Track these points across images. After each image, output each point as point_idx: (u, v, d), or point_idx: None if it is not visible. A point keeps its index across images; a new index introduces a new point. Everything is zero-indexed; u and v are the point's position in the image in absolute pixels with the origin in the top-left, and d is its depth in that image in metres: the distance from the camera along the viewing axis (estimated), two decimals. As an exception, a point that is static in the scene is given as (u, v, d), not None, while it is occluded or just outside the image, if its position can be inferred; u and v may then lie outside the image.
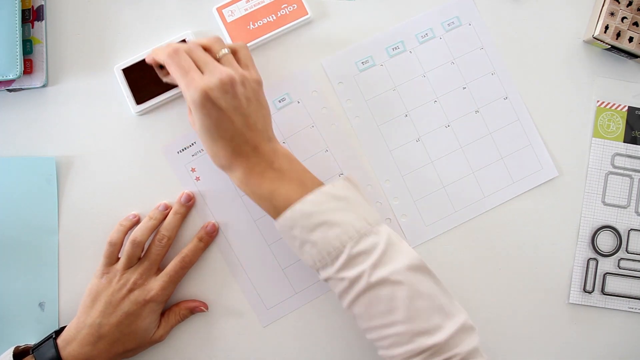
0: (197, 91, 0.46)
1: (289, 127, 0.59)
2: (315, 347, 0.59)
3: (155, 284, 0.55)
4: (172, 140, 0.59)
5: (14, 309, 0.58)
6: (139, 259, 0.56)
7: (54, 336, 0.53)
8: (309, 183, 0.49)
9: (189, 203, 0.58)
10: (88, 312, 0.53)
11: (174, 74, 0.48)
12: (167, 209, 0.58)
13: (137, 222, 0.58)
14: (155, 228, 0.57)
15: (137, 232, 0.56)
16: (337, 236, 0.46)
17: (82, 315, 0.54)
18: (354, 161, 0.60)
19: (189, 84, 0.46)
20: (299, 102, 0.59)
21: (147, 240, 0.56)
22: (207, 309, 0.58)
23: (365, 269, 0.45)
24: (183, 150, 0.59)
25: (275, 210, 0.49)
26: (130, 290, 0.54)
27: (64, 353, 0.52)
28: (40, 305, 0.58)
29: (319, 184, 0.50)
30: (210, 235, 0.58)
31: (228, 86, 0.47)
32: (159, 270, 0.56)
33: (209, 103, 0.46)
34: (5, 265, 0.58)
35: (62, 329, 0.55)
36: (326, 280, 0.48)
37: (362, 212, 0.48)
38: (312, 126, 0.59)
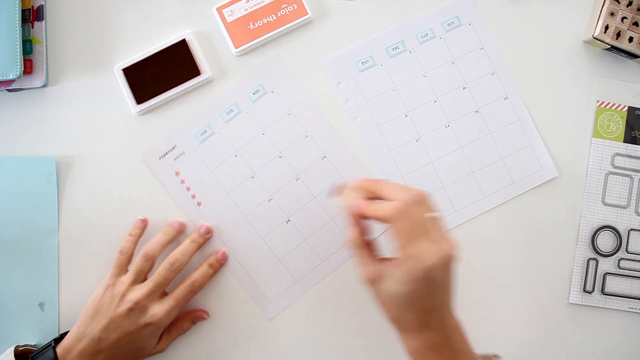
0: (432, 260, 0.43)
1: (266, 118, 0.59)
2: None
3: (160, 308, 0.53)
4: (152, 147, 0.58)
5: (14, 309, 0.58)
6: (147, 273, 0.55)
7: (53, 344, 0.53)
8: None
9: (207, 235, 0.58)
10: (89, 323, 0.53)
11: (399, 235, 0.44)
12: (181, 227, 0.57)
13: (145, 227, 0.58)
14: (168, 244, 0.56)
15: (150, 247, 0.55)
16: None
17: (83, 325, 0.53)
18: (354, 161, 0.60)
19: (417, 253, 0.43)
20: (273, 92, 0.59)
21: (159, 255, 0.56)
22: (208, 316, 0.58)
23: None
24: (165, 155, 0.58)
25: None
26: (131, 310, 0.52)
27: None
28: (40, 305, 0.58)
29: None
30: (220, 263, 0.58)
31: (452, 262, 0.44)
32: (165, 292, 0.55)
33: (432, 276, 0.43)
34: (5, 265, 0.58)
35: (62, 336, 0.55)
36: None
37: None
38: (289, 114, 0.59)
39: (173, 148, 0.58)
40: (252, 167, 0.59)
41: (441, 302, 0.46)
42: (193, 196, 0.59)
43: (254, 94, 0.59)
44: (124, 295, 0.53)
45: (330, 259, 0.59)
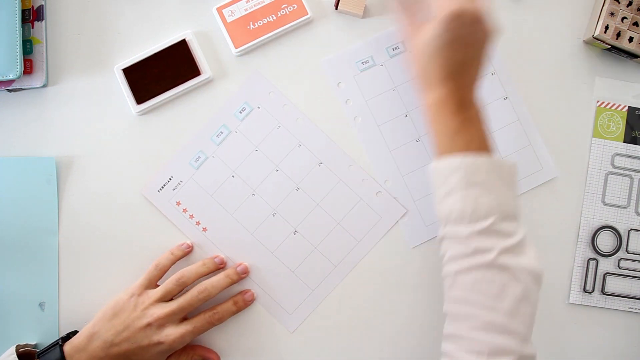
0: (456, 4, 0.46)
1: (257, 134, 0.59)
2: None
3: (175, 331, 0.53)
4: (149, 181, 0.58)
5: (14, 309, 0.58)
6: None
7: (60, 342, 0.53)
8: (487, 145, 0.49)
9: (244, 275, 0.58)
10: (104, 325, 0.53)
11: None
12: (222, 263, 0.58)
13: (189, 253, 0.58)
14: (205, 275, 0.57)
15: (186, 273, 0.55)
16: (488, 203, 0.46)
17: (98, 324, 0.53)
18: (351, 162, 0.60)
19: (445, 3, 0.47)
20: (259, 108, 0.59)
21: (192, 283, 0.56)
22: None
23: (497, 247, 0.45)
24: (162, 187, 0.58)
25: (449, 148, 0.48)
26: (149, 325, 0.52)
27: None
28: (40, 305, 0.58)
29: (493, 152, 0.50)
30: (246, 303, 0.58)
31: (476, 18, 0.47)
32: (185, 317, 0.55)
33: (455, 21, 0.46)
34: (5, 265, 0.58)
35: (68, 335, 0.55)
36: (444, 238, 0.48)
37: (515, 201, 0.48)
38: (279, 126, 0.59)
39: (170, 179, 0.59)
40: (251, 185, 0.59)
41: (462, 59, 0.48)
42: (197, 223, 0.59)
43: (240, 112, 0.59)
44: (146, 308, 0.53)
45: (343, 262, 0.59)
